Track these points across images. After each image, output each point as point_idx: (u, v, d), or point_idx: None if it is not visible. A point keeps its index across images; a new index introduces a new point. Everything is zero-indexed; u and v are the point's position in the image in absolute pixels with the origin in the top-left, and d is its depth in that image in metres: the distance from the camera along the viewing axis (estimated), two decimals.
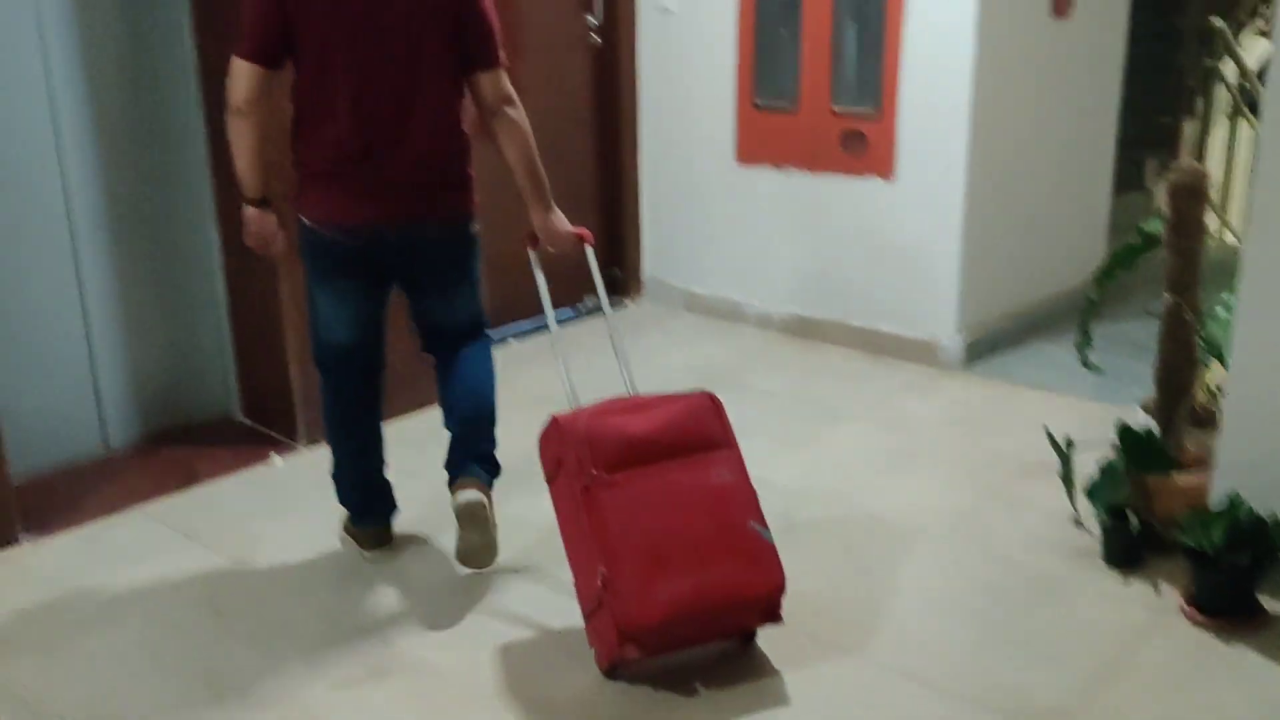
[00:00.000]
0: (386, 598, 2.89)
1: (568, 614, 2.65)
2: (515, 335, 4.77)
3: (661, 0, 4.85)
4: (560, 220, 2.94)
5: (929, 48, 4.14)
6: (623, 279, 5.25)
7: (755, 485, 2.64)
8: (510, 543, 3.03)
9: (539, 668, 2.62)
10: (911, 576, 2.98)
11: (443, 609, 2.84)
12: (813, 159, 4.54)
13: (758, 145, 4.70)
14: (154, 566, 3.03)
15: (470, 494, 2.86)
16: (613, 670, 2.53)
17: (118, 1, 3.53)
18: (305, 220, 2.78)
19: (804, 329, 4.75)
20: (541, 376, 4.39)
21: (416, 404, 3.84)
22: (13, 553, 3.10)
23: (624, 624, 2.40)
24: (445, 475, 2.99)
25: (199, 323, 3.88)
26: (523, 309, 4.86)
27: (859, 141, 4.40)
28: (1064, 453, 3.18)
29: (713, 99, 4.78)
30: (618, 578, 2.41)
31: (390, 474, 3.11)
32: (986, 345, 4.47)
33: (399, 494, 3.13)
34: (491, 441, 3.03)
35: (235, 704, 2.49)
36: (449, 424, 3.01)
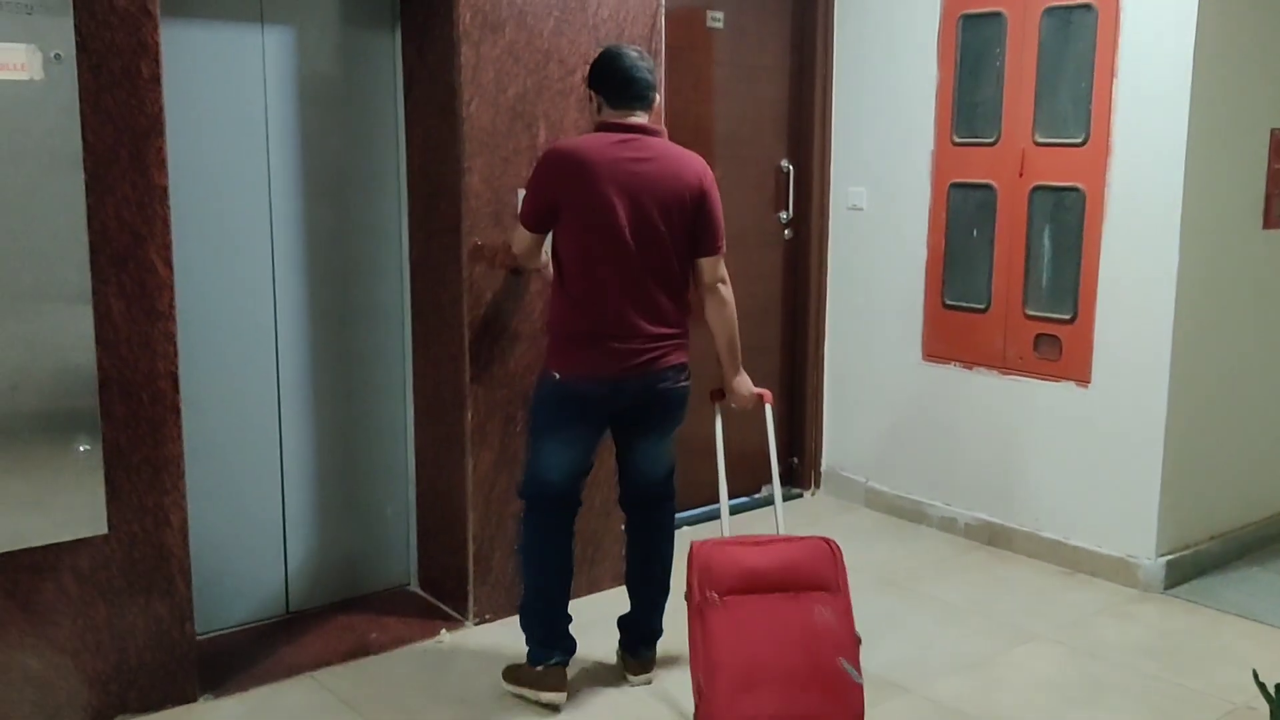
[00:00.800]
0: None
1: None
2: (689, 523, 4.74)
3: (852, 198, 4.92)
4: (746, 381, 3.44)
5: (1129, 253, 4.03)
6: (801, 469, 5.18)
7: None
8: None
9: None
10: None
11: None
12: (1003, 360, 4.43)
13: (946, 343, 4.63)
14: None
15: (646, 678, 3.40)
16: None
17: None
18: (557, 374, 3.18)
19: (990, 536, 4.55)
20: None
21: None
22: (191, 709, 3.21)
23: None
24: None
25: (386, 493, 4.02)
26: (698, 498, 4.86)
27: (1053, 345, 4.27)
28: (1274, 701, 2.88)
29: (901, 295, 4.76)
30: (710, 688, 2.81)
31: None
32: (1191, 567, 4.17)
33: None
34: (663, 614, 3.44)
35: None
36: (638, 587, 3.42)
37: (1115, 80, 4.00)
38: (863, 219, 4.91)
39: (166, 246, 3.04)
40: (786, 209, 5.00)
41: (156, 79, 2.95)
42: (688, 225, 3.14)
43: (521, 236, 3.24)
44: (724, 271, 3.28)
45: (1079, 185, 4.15)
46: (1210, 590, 4.09)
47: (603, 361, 3.11)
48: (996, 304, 4.44)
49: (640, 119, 3.14)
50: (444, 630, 3.71)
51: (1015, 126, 4.31)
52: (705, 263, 3.23)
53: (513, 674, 3.31)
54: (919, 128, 4.63)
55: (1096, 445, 4.19)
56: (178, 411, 3.11)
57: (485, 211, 3.60)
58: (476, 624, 3.76)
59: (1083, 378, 4.20)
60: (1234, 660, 3.35)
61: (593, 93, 3.19)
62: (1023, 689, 3.40)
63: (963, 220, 4.55)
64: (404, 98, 3.78)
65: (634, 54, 3.16)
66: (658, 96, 3.22)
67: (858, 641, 2.94)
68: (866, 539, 4.66)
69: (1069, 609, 3.97)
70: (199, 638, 3.33)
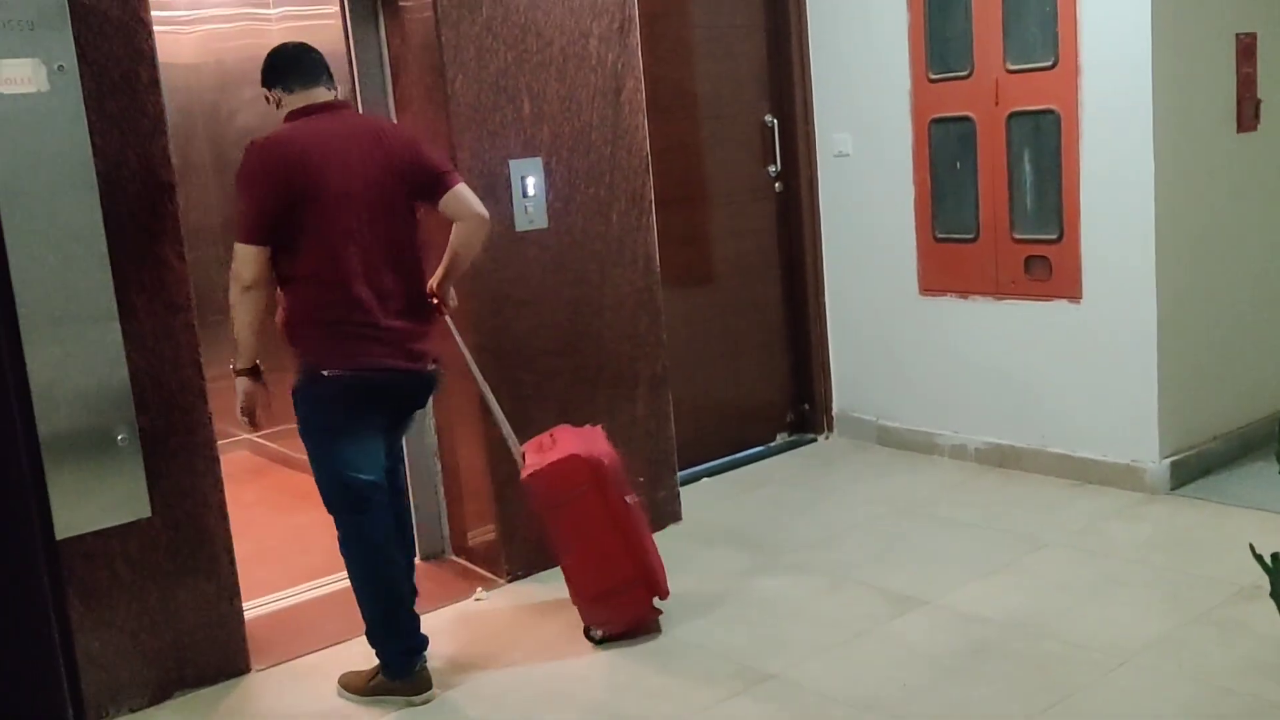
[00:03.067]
0: None
1: None
2: (708, 474, 4.89)
3: (838, 145, 5.04)
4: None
5: (1107, 169, 4.14)
6: (813, 414, 5.32)
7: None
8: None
9: None
10: (1117, 707, 2.85)
11: None
12: (996, 285, 4.55)
13: (941, 276, 4.76)
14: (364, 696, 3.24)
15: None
16: (600, 638, 3.41)
17: None
18: (326, 372, 3.00)
19: (1001, 458, 4.67)
20: (730, 509, 4.51)
21: None
22: (245, 680, 3.37)
23: (660, 590, 3.43)
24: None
25: (415, 470, 4.17)
26: (714, 450, 5.01)
27: (1043, 266, 4.39)
28: (1271, 569, 3.00)
29: (893, 234, 4.88)
30: (654, 558, 3.44)
31: None
32: (1196, 467, 4.29)
33: None
34: None
35: None
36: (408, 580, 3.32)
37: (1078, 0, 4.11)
38: (850, 164, 5.03)
39: (179, 241, 3.20)
40: (774, 162, 5.13)
41: (155, 83, 3.10)
42: (412, 180, 3.07)
43: (249, 257, 2.93)
44: (473, 197, 3.16)
45: (1053, 108, 4.26)
46: (1216, 487, 4.21)
47: (374, 350, 3.01)
48: (985, 232, 4.56)
49: (327, 96, 3.09)
50: (480, 589, 3.86)
51: (986, 57, 4.42)
52: (450, 196, 3.11)
53: (370, 686, 3.20)
54: (895, 69, 4.74)
55: (1094, 358, 4.31)
56: (205, 397, 3.27)
57: (478, 185, 3.72)
58: (509, 581, 3.92)
59: (1074, 294, 4.31)
60: (1240, 547, 3.42)
61: (269, 92, 3.10)
62: (1039, 590, 3.53)
63: (946, 154, 4.66)
64: (392, 84, 3.92)
65: (294, 43, 3.15)
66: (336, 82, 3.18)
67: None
68: (881, 473, 4.80)
69: (1080, 516, 4.09)
70: (248, 613, 3.49)
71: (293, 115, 3.05)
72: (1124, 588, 3.50)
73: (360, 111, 3.22)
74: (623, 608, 3.41)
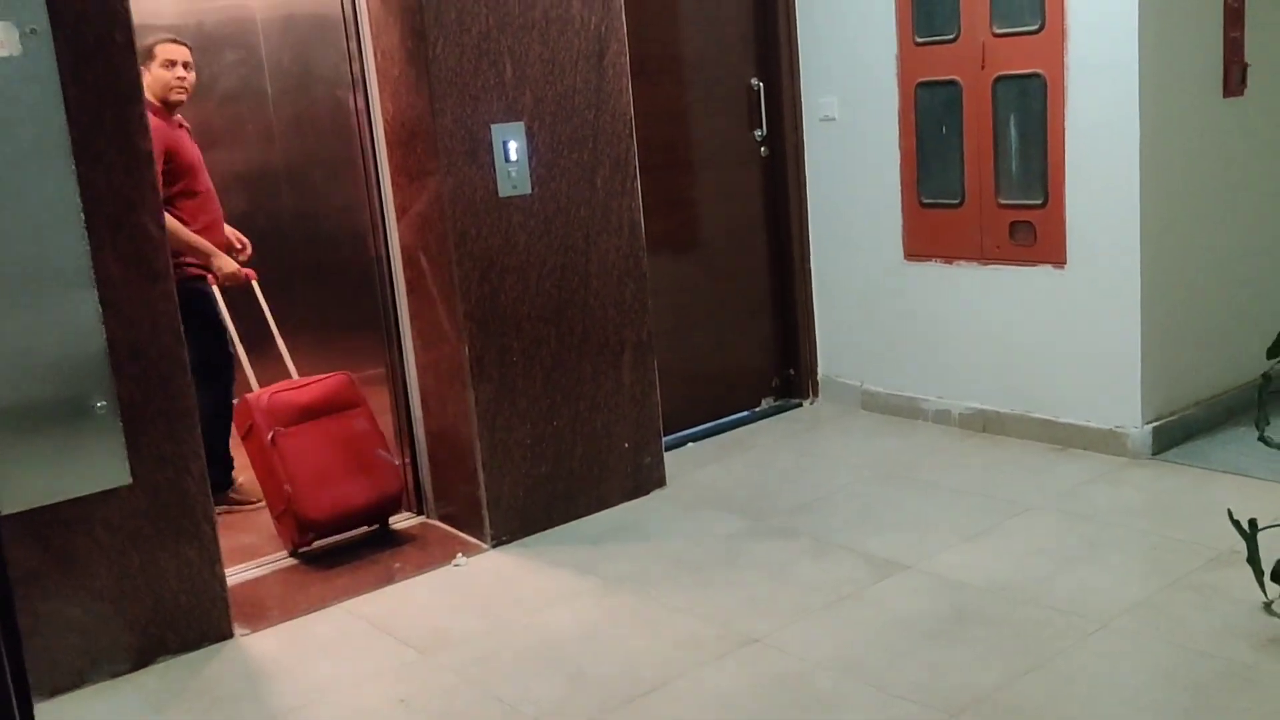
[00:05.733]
0: (571, 680, 3.01)
1: None
2: (693, 440, 4.89)
3: (824, 109, 5.01)
4: (226, 260, 4.21)
5: (1092, 134, 4.12)
6: (798, 379, 5.32)
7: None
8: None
9: None
10: (1095, 671, 2.87)
11: None
12: (981, 251, 4.54)
13: (926, 241, 4.75)
14: (349, 658, 3.25)
15: None
16: (294, 551, 3.97)
17: None
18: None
19: (985, 424, 4.69)
20: (715, 474, 4.52)
21: None
22: (228, 645, 3.38)
23: (302, 519, 3.88)
24: None
25: (400, 432, 4.18)
26: (699, 415, 5.02)
27: (1028, 231, 4.38)
28: (1247, 534, 3.03)
29: (879, 199, 4.86)
30: (297, 491, 3.87)
31: None
32: (1178, 432, 4.30)
33: None
34: None
35: None
36: None
37: None
38: (836, 129, 5.00)
39: (157, 210, 3.17)
40: (760, 126, 5.09)
41: (130, 46, 3.06)
42: None
43: None
44: None
45: (1039, 72, 4.23)
46: (1198, 452, 4.23)
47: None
48: (970, 197, 4.54)
49: None
50: (460, 554, 3.87)
51: (973, 20, 4.39)
52: None
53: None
54: (881, 32, 4.71)
55: (1077, 324, 4.31)
56: (185, 367, 3.25)
57: (460, 151, 3.71)
58: (493, 546, 3.93)
59: (1059, 260, 4.31)
60: (1220, 513, 3.45)
61: None
62: (1020, 555, 3.55)
63: (932, 119, 4.64)
64: (372, 47, 3.87)
65: None
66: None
67: (384, 438, 4.11)
68: (865, 438, 4.81)
69: (1062, 480, 4.11)
70: (229, 579, 3.50)
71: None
72: (1105, 552, 3.52)
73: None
74: (281, 531, 4.02)
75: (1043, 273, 4.37)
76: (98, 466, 3.08)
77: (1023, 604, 3.23)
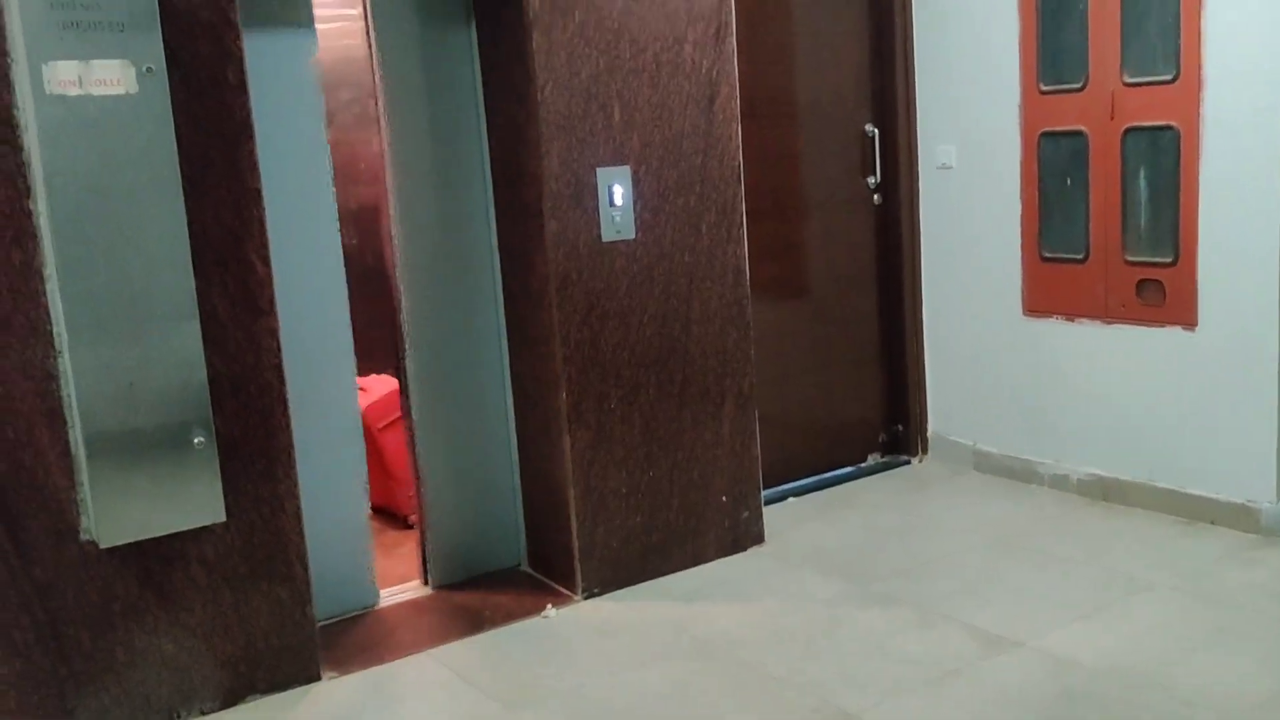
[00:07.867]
0: None
1: None
2: (794, 494, 4.75)
3: (941, 157, 4.86)
4: None
5: (1228, 189, 3.90)
6: (906, 436, 5.14)
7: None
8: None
9: None
10: None
11: None
12: (1106, 309, 4.33)
13: (1047, 297, 4.54)
14: (431, 710, 3.19)
15: None
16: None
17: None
18: None
19: (1104, 491, 4.45)
20: (816, 532, 4.37)
21: None
22: (316, 688, 3.35)
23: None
24: None
25: (496, 480, 4.12)
26: (801, 468, 4.88)
27: (1156, 290, 4.16)
28: None
29: (997, 252, 4.68)
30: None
31: None
32: None
33: None
34: None
35: None
36: None
37: (1203, 9, 3.87)
38: (953, 177, 4.84)
39: (264, 245, 3.18)
40: (874, 173, 4.96)
41: (243, 85, 3.09)
42: None
43: None
44: None
45: (1172, 124, 4.03)
46: None
47: None
48: (1095, 252, 4.34)
49: None
50: (550, 605, 3.79)
51: (1102, 68, 4.20)
52: None
53: None
54: (1004, 79, 4.55)
55: (1208, 389, 4.06)
56: (285, 403, 3.25)
57: (565, 194, 3.67)
58: (585, 598, 3.84)
59: (1189, 321, 4.08)
60: None
61: None
62: (1139, 636, 3.33)
63: (1055, 169, 4.45)
64: (482, 87, 3.87)
65: None
66: None
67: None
68: (976, 501, 4.60)
69: (1187, 557, 3.86)
70: (320, 622, 3.48)
71: None
72: (1233, 638, 3.28)
73: None
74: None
75: (1171, 334, 4.13)
76: (194, 502, 3.08)
77: (1140, 690, 3.02)
